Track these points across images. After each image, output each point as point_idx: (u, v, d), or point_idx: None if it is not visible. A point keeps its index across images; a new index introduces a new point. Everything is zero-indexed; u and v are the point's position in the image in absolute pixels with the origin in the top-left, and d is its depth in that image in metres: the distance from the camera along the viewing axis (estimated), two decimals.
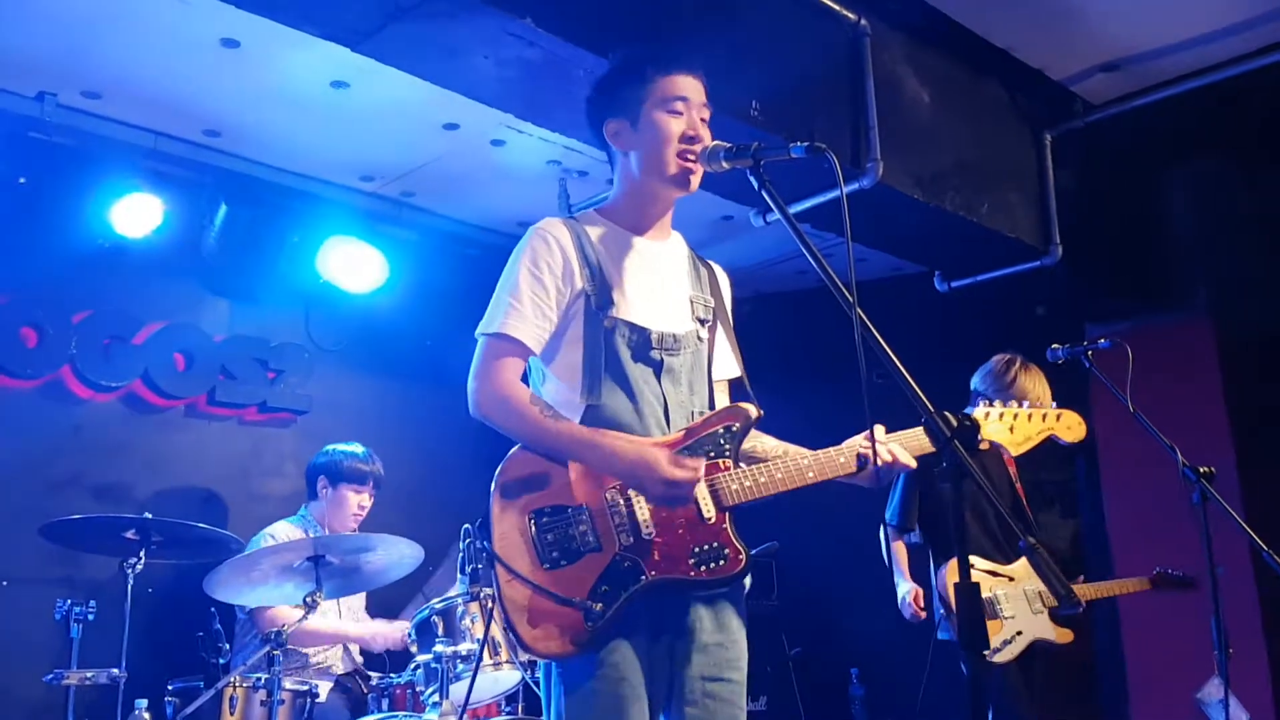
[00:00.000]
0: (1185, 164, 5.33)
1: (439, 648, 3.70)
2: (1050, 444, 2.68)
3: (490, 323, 2.31)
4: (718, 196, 4.15)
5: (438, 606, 3.87)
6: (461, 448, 5.23)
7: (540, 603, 2.14)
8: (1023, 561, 4.00)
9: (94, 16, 3.69)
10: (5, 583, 4.26)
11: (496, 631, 3.77)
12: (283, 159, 4.89)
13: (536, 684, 3.74)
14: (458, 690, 3.69)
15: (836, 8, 3.90)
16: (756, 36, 3.70)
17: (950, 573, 3.87)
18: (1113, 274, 5.25)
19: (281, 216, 4.99)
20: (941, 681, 3.99)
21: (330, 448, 4.54)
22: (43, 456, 4.45)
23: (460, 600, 3.84)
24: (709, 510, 2.24)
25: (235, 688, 3.57)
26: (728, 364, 2.53)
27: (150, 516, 3.66)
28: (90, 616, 3.64)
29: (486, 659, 3.73)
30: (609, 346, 2.31)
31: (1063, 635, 4.04)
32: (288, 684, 3.61)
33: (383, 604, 4.68)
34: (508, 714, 4.10)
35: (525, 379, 2.35)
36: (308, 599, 3.47)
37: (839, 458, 2.35)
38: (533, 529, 2.19)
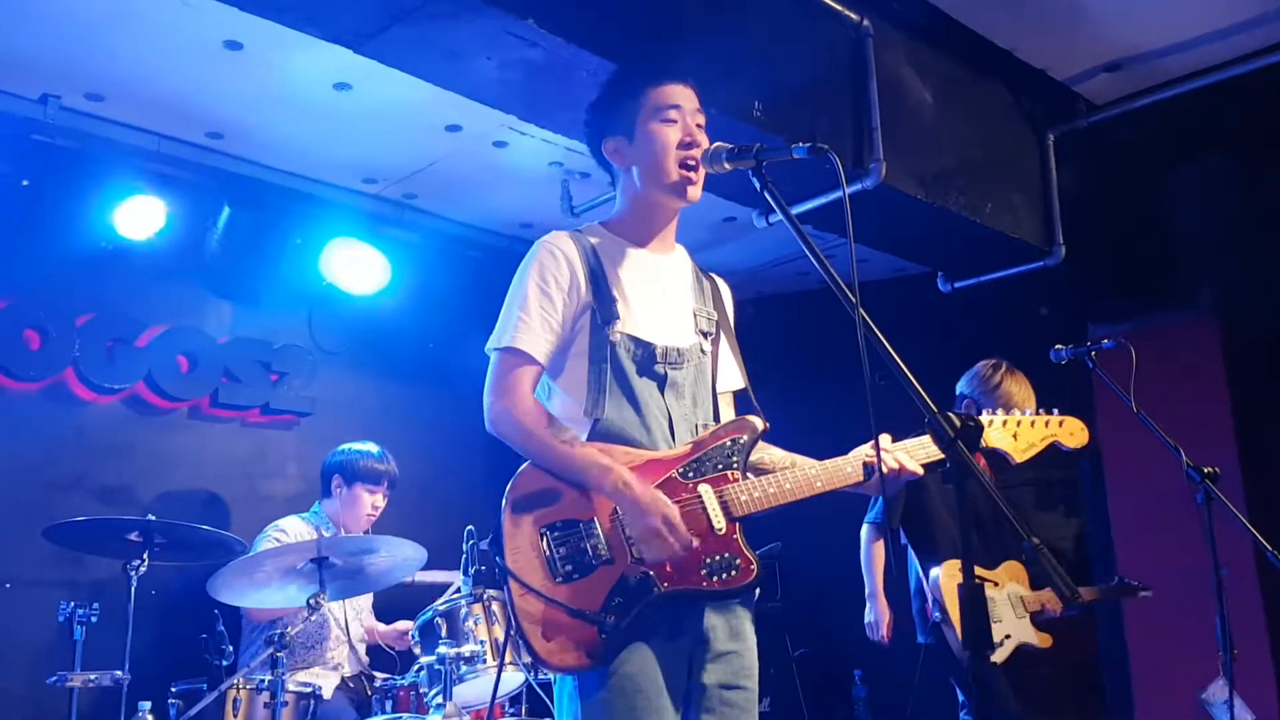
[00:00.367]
0: (1188, 164, 5.32)
1: (442, 649, 3.70)
2: (1053, 447, 2.68)
3: (500, 337, 2.32)
4: (720, 198, 4.15)
5: (441, 608, 3.88)
6: (465, 450, 5.24)
7: (554, 616, 2.14)
8: (1005, 566, 4.04)
9: (97, 19, 3.70)
10: (9, 585, 4.26)
11: (500, 634, 3.78)
12: (285, 161, 4.89)
13: (540, 686, 3.76)
14: (461, 692, 3.69)
15: (839, 8, 3.90)
16: (759, 37, 3.69)
17: (946, 574, 3.89)
18: (1116, 274, 5.24)
19: (284, 219, 5.00)
20: (930, 684, 4.01)
21: (345, 446, 4.54)
22: (46, 459, 4.46)
23: (463, 602, 3.85)
24: (719, 521, 2.25)
25: (239, 689, 3.58)
26: (731, 376, 2.54)
27: (153, 518, 3.66)
28: (93, 618, 3.64)
29: (490, 660, 3.74)
30: (614, 361, 2.32)
31: (1043, 640, 4.08)
32: (291, 685, 3.61)
33: (395, 605, 4.67)
34: (511, 715, 4.10)
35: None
36: (311, 601, 3.47)
37: (846, 467, 2.37)
38: (545, 543, 2.19)
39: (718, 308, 2.55)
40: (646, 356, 2.34)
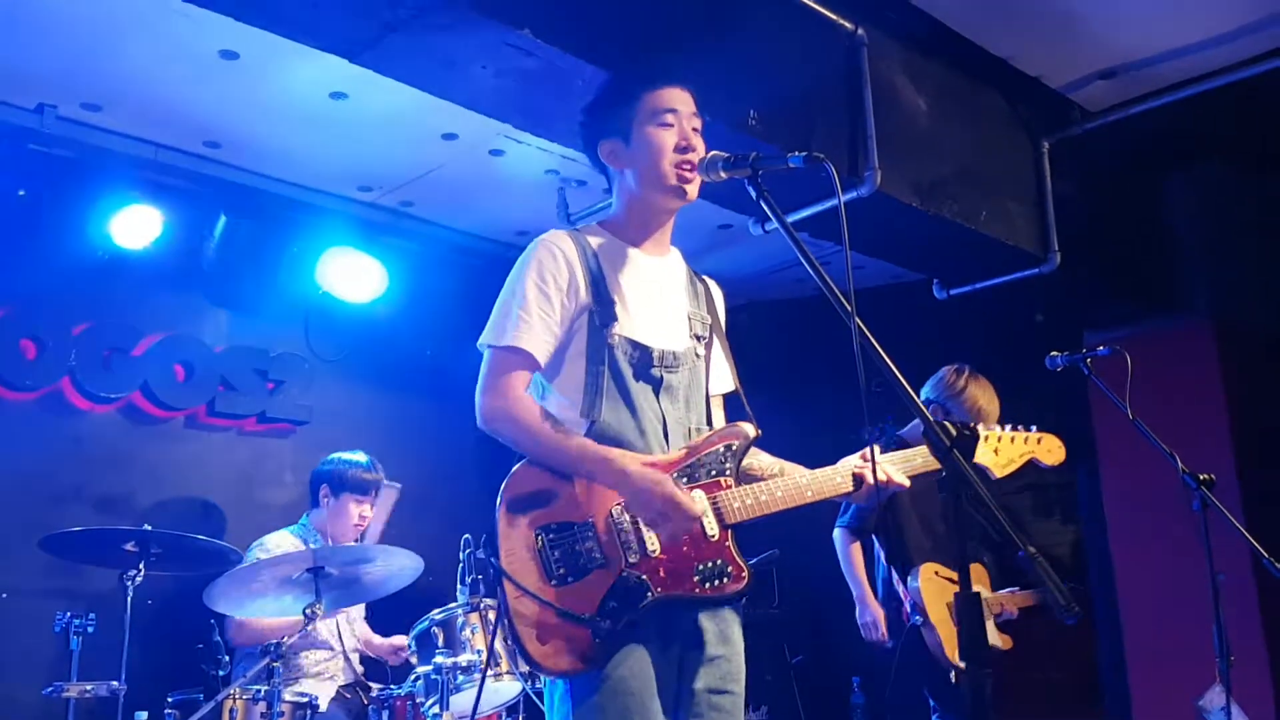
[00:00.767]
0: (1183, 170, 5.34)
1: (439, 659, 3.70)
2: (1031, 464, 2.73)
3: (500, 335, 2.30)
4: (716, 205, 4.16)
5: (438, 618, 3.87)
6: (461, 458, 5.23)
7: (549, 619, 2.13)
8: (971, 569, 4.06)
9: (93, 29, 3.70)
10: (5, 595, 4.26)
11: (498, 643, 3.77)
12: (282, 170, 4.90)
13: (538, 695, 3.76)
14: (458, 701, 3.69)
15: (834, 17, 3.91)
16: (754, 46, 3.70)
17: (924, 578, 3.96)
18: (1112, 281, 5.25)
19: (281, 227, 5.00)
20: (906, 688, 4.03)
21: (334, 456, 4.54)
22: (42, 469, 4.45)
23: (460, 611, 3.85)
24: (712, 528, 2.26)
25: (235, 699, 3.57)
26: (723, 379, 2.55)
27: (150, 528, 3.66)
28: (90, 629, 3.63)
29: (488, 669, 3.73)
30: (612, 363, 2.31)
31: (1005, 642, 4.17)
32: (287, 695, 3.61)
33: (390, 616, 4.66)
34: None
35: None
36: (307, 610, 3.46)
37: (835, 477, 2.39)
38: (540, 545, 2.18)
39: (710, 311, 2.55)
40: (644, 360, 2.34)
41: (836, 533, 4.37)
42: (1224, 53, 4.49)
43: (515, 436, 2.26)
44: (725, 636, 2.34)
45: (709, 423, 2.45)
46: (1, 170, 4.33)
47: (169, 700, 3.71)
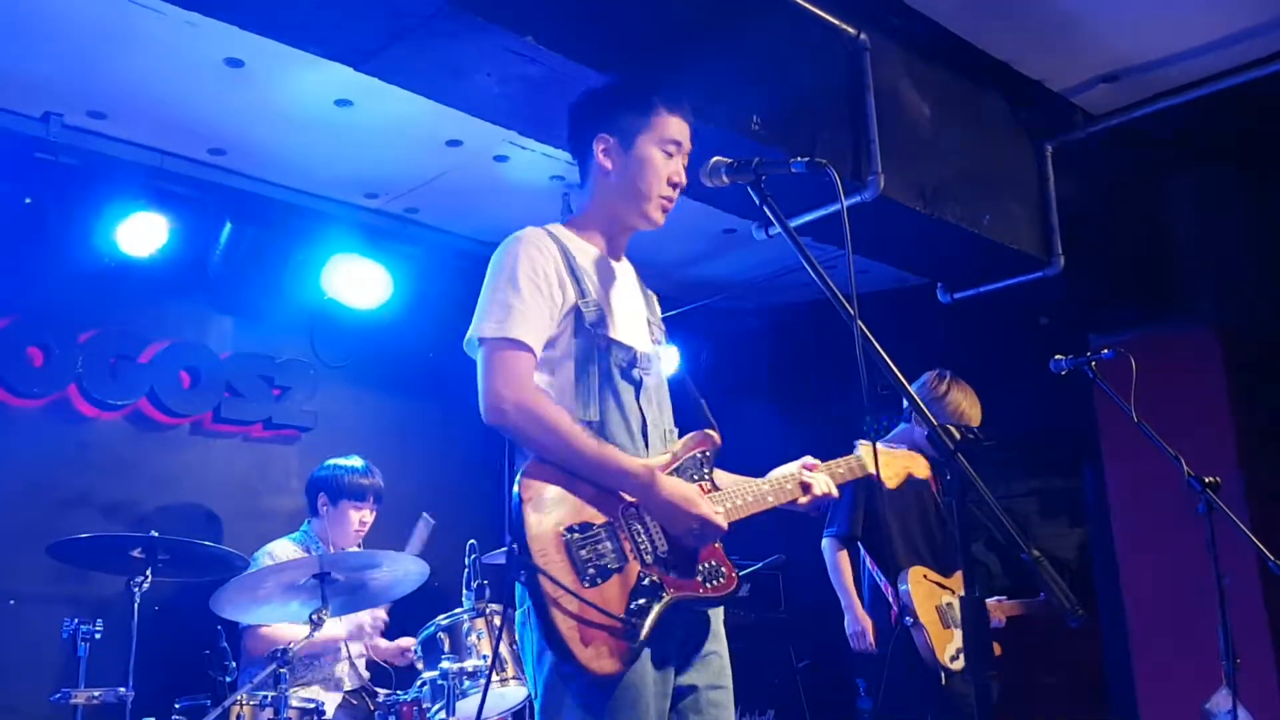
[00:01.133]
0: (1187, 173, 5.34)
1: (445, 664, 3.71)
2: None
3: (498, 325, 2.26)
4: (720, 210, 4.17)
5: (443, 623, 3.88)
6: (467, 463, 5.24)
7: (591, 618, 2.11)
8: (958, 575, 4.10)
9: (99, 37, 3.72)
10: (13, 601, 4.27)
11: (504, 648, 3.77)
12: (287, 177, 4.91)
13: None
14: (464, 707, 3.69)
15: (836, 22, 3.92)
16: (757, 52, 3.71)
17: (913, 582, 4.00)
18: (1115, 284, 5.25)
19: (286, 234, 5.02)
20: (898, 690, 4.05)
21: (330, 462, 4.53)
22: (49, 475, 4.46)
23: (466, 616, 3.85)
24: None
25: (242, 705, 3.57)
26: None
27: (157, 535, 3.66)
28: (97, 635, 3.63)
29: (493, 675, 3.73)
30: (603, 365, 2.32)
31: (995, 647, 4.15)
32: (294, 701, 3.61)
33: (396, 621, 4.67)
34: None
35: None
36: (313, 616, 3.47)
37: (787, 484, 2.44)
38: (568, 545, 2.16)
39: (657, 319, 2.59)
40: (629, 361, 2.37)
41: (824, 542, 4.42)
42: (1227, 56, 4.49)
43: (535, 432, 2.20)
44: (716, 632, 2.39)
45: (676, 425, 2.49)
46: (8, 178, 4.35)
47: (176, 706, 3.71)
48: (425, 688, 3.82)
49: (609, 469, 2.22)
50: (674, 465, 2.33)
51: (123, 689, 3.50)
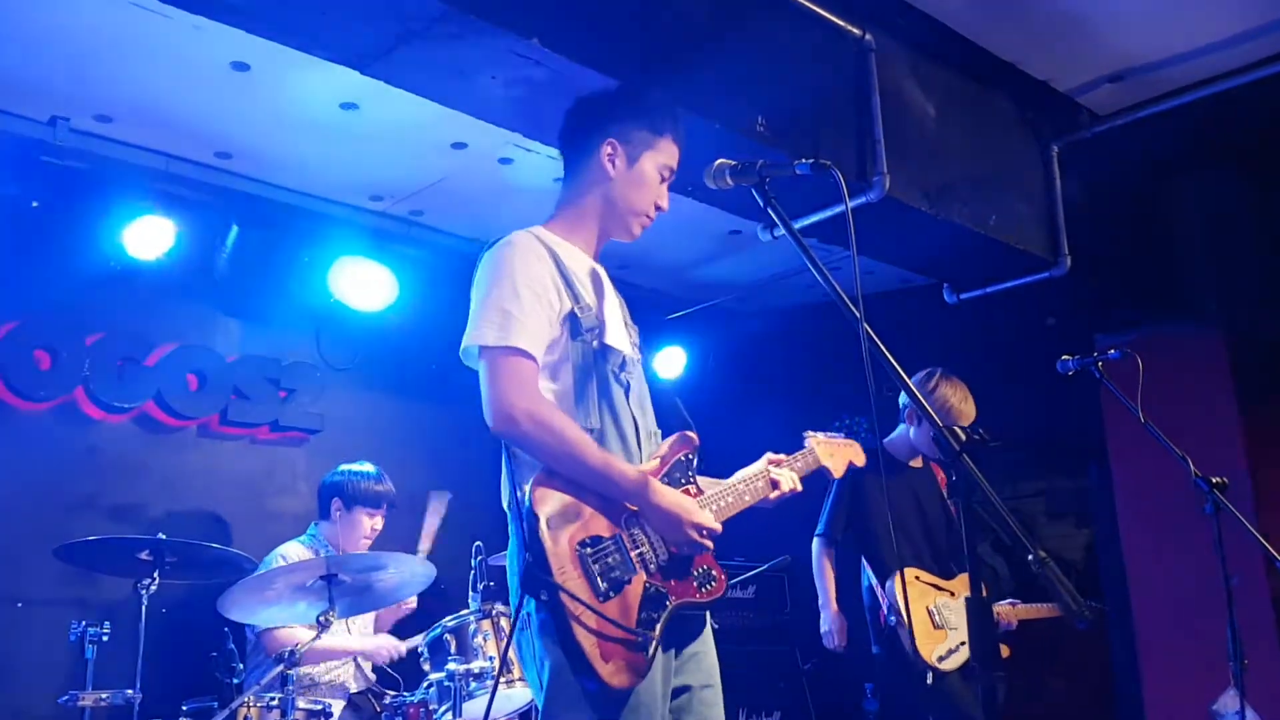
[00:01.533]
0: (1193, 173, 5.33)
1: (452, 666, 3.71)
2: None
3: (501, 334, 2.25)
4: (724, 212, 4.17)
5: (450, 624, 3.88)
6: (473, 465, 5.22)
7: (608, 633, 2.11)
8: (961, 577, 4.11)
9: (105, 41, 3.73)
10: (20, 604, 4.28)
11: (510, 650, 3.78)
12: (293, 180, 4.92)
13: None
14: (471, 708, 3.69)
15: (841, 23, 3.91)
16: (762, 53, 3.71)
17: (900, 583, 4.02)
18: (1122, 284, 5.24)
19: (292, 237, 5.03)
20: (890, 690, 4.07)
21: (344, 468, 4.54)
22: (57, 478, 4.47)
23: (473, 618, 3.85)
24: None
25: (249, 707, 3.58)
26: None
27: (164, 537, 3.68)
28: (105, 637, 3.65)
29: (500, 676, 3.73)
30: (599, 370, 2.33)
31: (1004, 649, 4.19)
32: (301, 703, 3.62)
33: (403, 622, 4.67)
34: None
35: None
36: (320, 618, 3.47)
37: (758, 482, 2.48)
38: (583, 560, 2.16)
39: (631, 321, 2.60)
40: (619, 365, 2.38)
41: (815, 542, 4.44)
42: (1234, 56, 4.48)
43: (549, 442, 2.19)
44: (702, 635, 2.41)
45: (658, 427, 2.50)
46: (15, 182, 4.36)
47: (184, 708, 3.71)
48: (432, 689, 3.82)
49: (611, 479, 2.23)
50: (664, 470, 2.34)
51: (130, 691, 3.51)
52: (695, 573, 2.29)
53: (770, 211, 2.21)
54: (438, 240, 5.52)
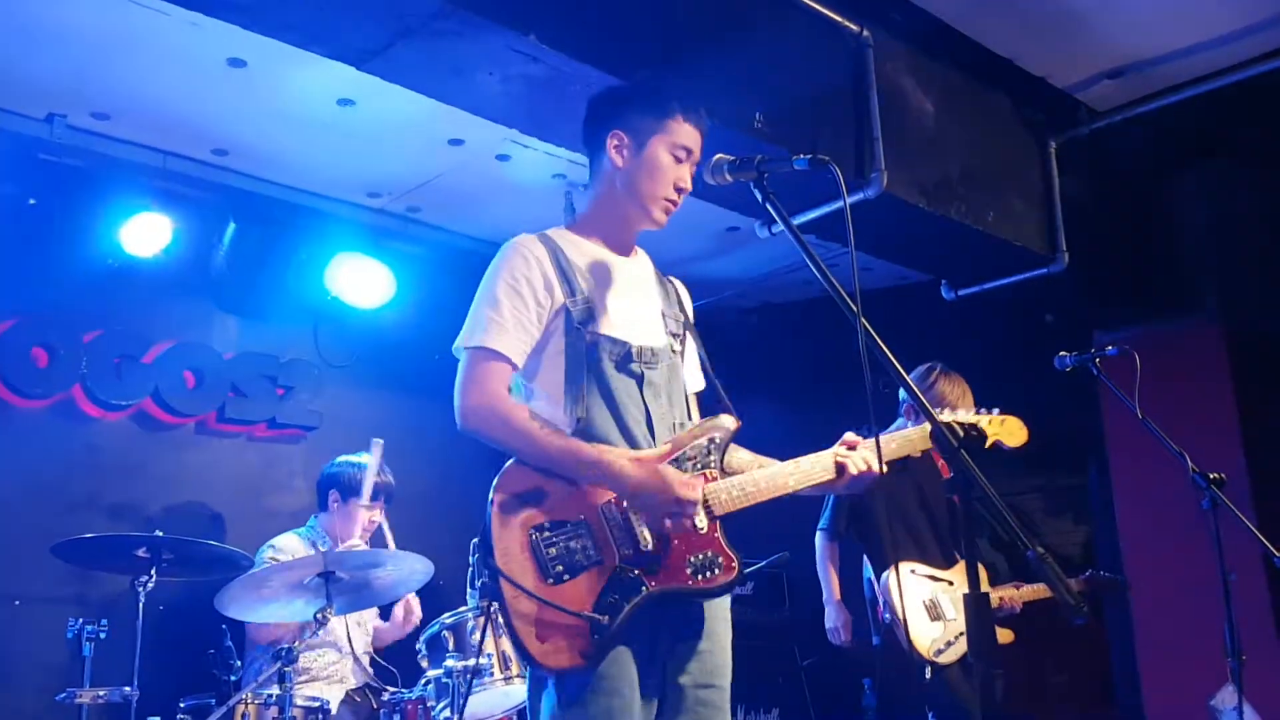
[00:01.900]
0: (1191, 170, 5.33)
1: (450, 662, 3.71)
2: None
3: (470, 336, 2.34)
4: (723, 208, 4.17)
5: (448, 621, 3.88)
6: (471, 462, 5.20)
7: (548, 617, 2.15)
8: (961, 566, 4.10)
9: (102, 39, 3.73)
10: (18, 602, 4.28)
11: (507, 646, 3.78)
12: (290, 176, 4.92)
13: None
14: (470, 705, 3.69)
15: (839, 19, 3.91)
16: (760, 49, 3.71)
17: (895, 576, 4.04)
18: (1120, 281, 5.24)
19: (289, 234, 5.02)
20: (890, 684, 4.07)
21: (341, 460, 4.53)
22: (54, 476, 4.47)
23: (470, 615, 3.85)
24: (701, 520, 2.29)
25: (247, 704, 3.58)
26: (694, 378, 2.60)
27: (161, 534, 3.67)
28: (102, 635, 3.64)
29: (497, 673, 3.74)
30: (591, 361, 2.34)
31: (1004, 636, 4.18)
32: (299, 700, 3.62)
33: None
34: None
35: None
36: (318, 615, 3.47)
37: (816, 466, 2.43)
38: (534, 544, 2.20)
39: (682, 310, 2.61)
40: (624, 356, 2.37)
41: (817, 536, 4.45)
42: (1231, 51, 4.49)
43: (500, 435, 2.27)
44: (710, 630, 2.37)
45: (690, 418, 2.49)
46: (12, 179, 4.36)
47: (181, 705, 3.72)
48: (430, 686, 3.82)
49: (570, 460, 2.24)
50: (675, 454, 2.32)
51: (128, 688, 3.51)
52: (692, 559, 2.25)
53: (769, 207, 2.21)
54: (435, 237, 5.52)
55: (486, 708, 3.82)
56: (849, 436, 2.48)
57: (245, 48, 3.75)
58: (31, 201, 4.45)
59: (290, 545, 4.34)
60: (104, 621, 3.66)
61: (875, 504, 4.20)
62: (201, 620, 3.82)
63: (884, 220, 4.19)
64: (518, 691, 3.87)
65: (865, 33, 3.99)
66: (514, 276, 2.35)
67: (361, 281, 5.16)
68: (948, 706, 3.91)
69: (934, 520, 4.21)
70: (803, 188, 3.83)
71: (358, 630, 4.45)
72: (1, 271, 4.42)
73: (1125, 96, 4.88)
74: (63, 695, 3.51)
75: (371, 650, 4.52)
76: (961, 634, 3.98)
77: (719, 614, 2.40)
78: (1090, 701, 5.77)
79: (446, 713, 3.68)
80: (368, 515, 4.45)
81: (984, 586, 4.09)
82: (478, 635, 3.82)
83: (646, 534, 2.25)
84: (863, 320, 1.98)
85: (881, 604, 4.08)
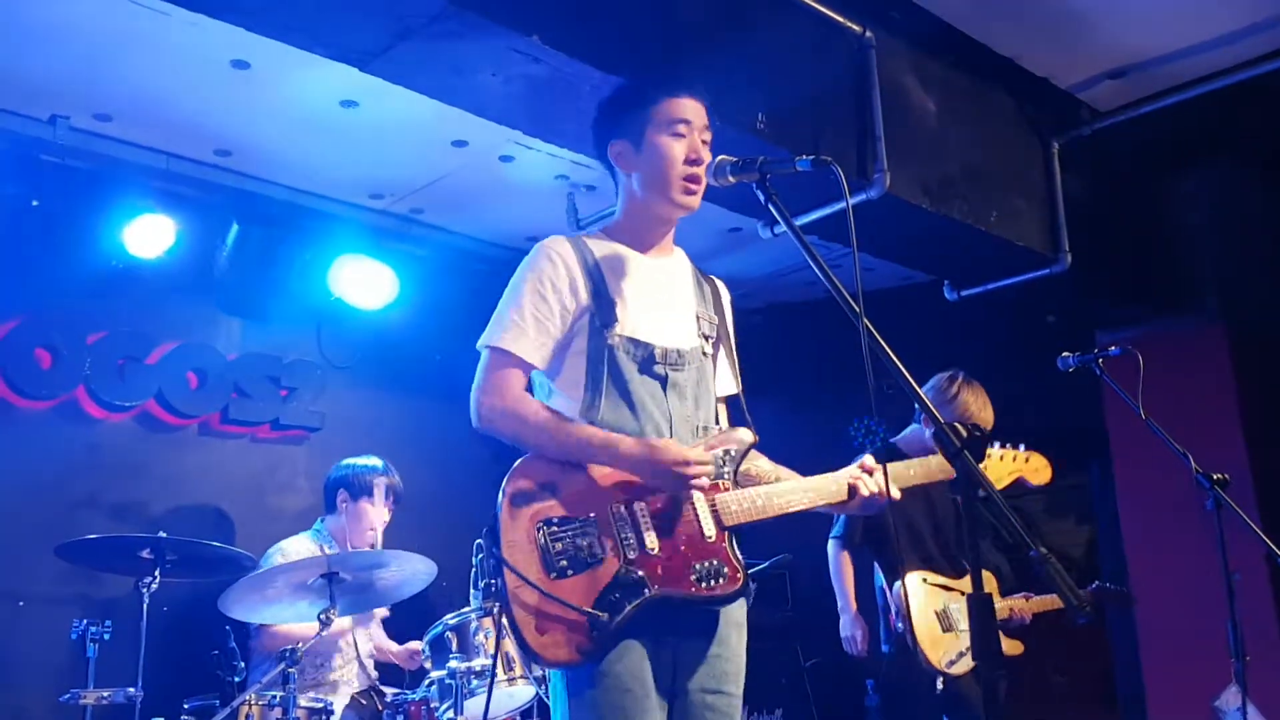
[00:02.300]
0: (1194, 170, 5.32)
1: (453, 663, 3.71)
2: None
3: (491, 335, 2.37)
4: (725, 209, 4.16)
5: (451, 622, 3.88)
6: (474, 463, 5.22)
7: (548, 610, 2.16)
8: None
9: (105, 40, 3.73)
10: (22, 603, 4.28)
11: (510, 647, 3.78)
12: (293, 178, 4.92)
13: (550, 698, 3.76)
14: (472, 706, 3.70)
15: (841, 20, 3.91)
16: (762, 50, 3.71)
17: (907, 585, 3.99)
18: (1122, 281, 5.24)
19: (292, 235, 5.02)
20: (898, 694, 4.05)
21: (348, 461, 4.54)
22: (58, 477, 4.47)
23: (474, 616, 3.85)
24: (710, 529, 2.30)
25: (251, 705, 3.58)
26: (726, 381, 2.59)
27: (165, 535, 3.68)
28: (106, 636, 3.65)
29: (501, 674, 3.74)
30: (612, 362, 2.35)
31: (1013, 647, 4.16)
32: (303, 701, 3.62)
33: (404, 621, 4.67)
34: None
35: (529, 393, 2.40)
36: (322, 616, 3.48)
37: (831, 485, 2.44)
38: (541, 538, 2.21)
39: (718, 311, 2.60)
40: (646, 357, 2.38)
41: (830, 545, 4.43)
42: (1233, 51, 4.48)
43: (515, 430, 2.30)
44: (722, 637, 2.36)
45: (717, 422, 2.49)
46: (15, 181, 4.36)
47: (185, 706, 3.72)
48: (434, 687, 3.83)
49: (588, 443, 2.26)
50: None
51: (131, 689, 3.52)
52: (698, 566, 2.25)
53: (771, 208, 2.21)
54: (438, 238, 5.52)
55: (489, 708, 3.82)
56: (867, 461, 2.48)
57: (248, 49, 3.76)
58: (35, 203, 4.45)
59: (299, 548, 4.34)
60: (108, 622, 3.67)
61: (889, 513, 4.15)
62: (205, 621, 3.83)
63: (886, 221, 4.19)
64: (521, 692, 3.88)
65: (867, 33, 3.99)
66: (539, 278, 2.37)
67: (364, 283, 5.17)
68: (963, 718, 3.88)
69: (943, 531, 4.17)
70: (805, 188, 3.83)
71: (363, 633, 4.46)
72: (5, 273, 4.42)
73: (1127, 96, 4.88)
74: (66, 696, 3.52)
75: (375, 654, 4.52)
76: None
77: (732, 620, 2.39)
78: (1093, 702, 5.77)
79: (450, 713, 3.68)
80: (375, 515, 4.46)
81: (995, 597, 4.10)
82: (481, 636, 3.83)
83: (653, 537, 2.25)
84: (865, 321, 1.97)
85: (894, 612, 4.04)
